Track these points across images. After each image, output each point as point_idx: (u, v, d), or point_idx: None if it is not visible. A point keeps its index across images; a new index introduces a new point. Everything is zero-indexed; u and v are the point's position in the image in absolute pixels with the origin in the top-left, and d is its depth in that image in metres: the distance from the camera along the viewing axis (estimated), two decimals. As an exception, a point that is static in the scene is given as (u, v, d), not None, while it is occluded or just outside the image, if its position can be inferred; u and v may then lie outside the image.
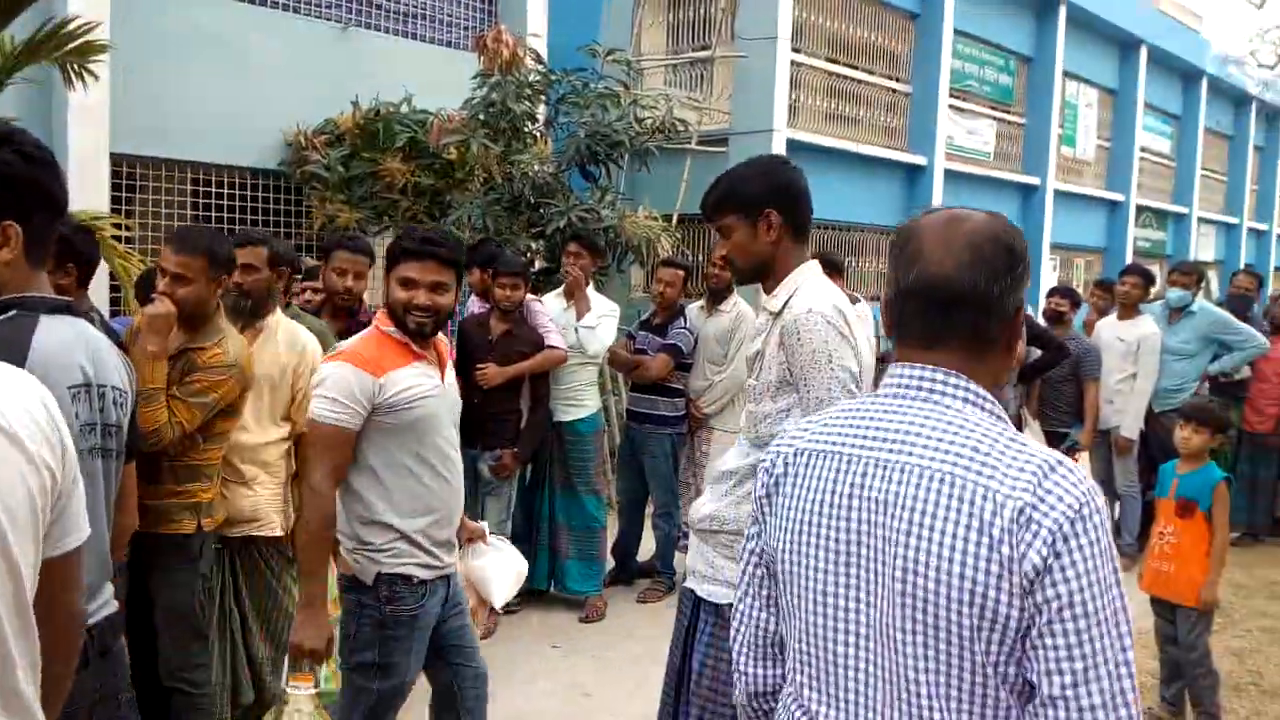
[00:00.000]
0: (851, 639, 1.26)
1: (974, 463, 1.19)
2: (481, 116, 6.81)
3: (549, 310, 4.86)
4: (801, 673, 1.33)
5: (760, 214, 2.23)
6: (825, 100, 11.65)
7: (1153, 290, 6.75)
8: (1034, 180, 14.71)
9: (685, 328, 5.04)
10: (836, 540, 1.26)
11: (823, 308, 2.13)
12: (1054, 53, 14.54)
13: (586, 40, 7.87)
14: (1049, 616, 1.13)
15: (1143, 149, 17.51)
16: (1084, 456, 6.39)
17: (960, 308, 1.28)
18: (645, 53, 11.49)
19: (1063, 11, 14.43)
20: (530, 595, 4.98)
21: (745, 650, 1.47)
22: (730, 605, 2.14)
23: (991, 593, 1.14)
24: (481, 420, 4.47)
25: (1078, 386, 6.17)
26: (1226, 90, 19.79)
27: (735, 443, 2.35)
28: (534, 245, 6.85)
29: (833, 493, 1.28)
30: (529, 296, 4.81)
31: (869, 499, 1.24)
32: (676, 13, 11.72)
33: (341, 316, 3.83)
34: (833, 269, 6.06)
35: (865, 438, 1.29)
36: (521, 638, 4.60)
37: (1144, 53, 16.73)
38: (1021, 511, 1.14)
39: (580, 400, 4.90)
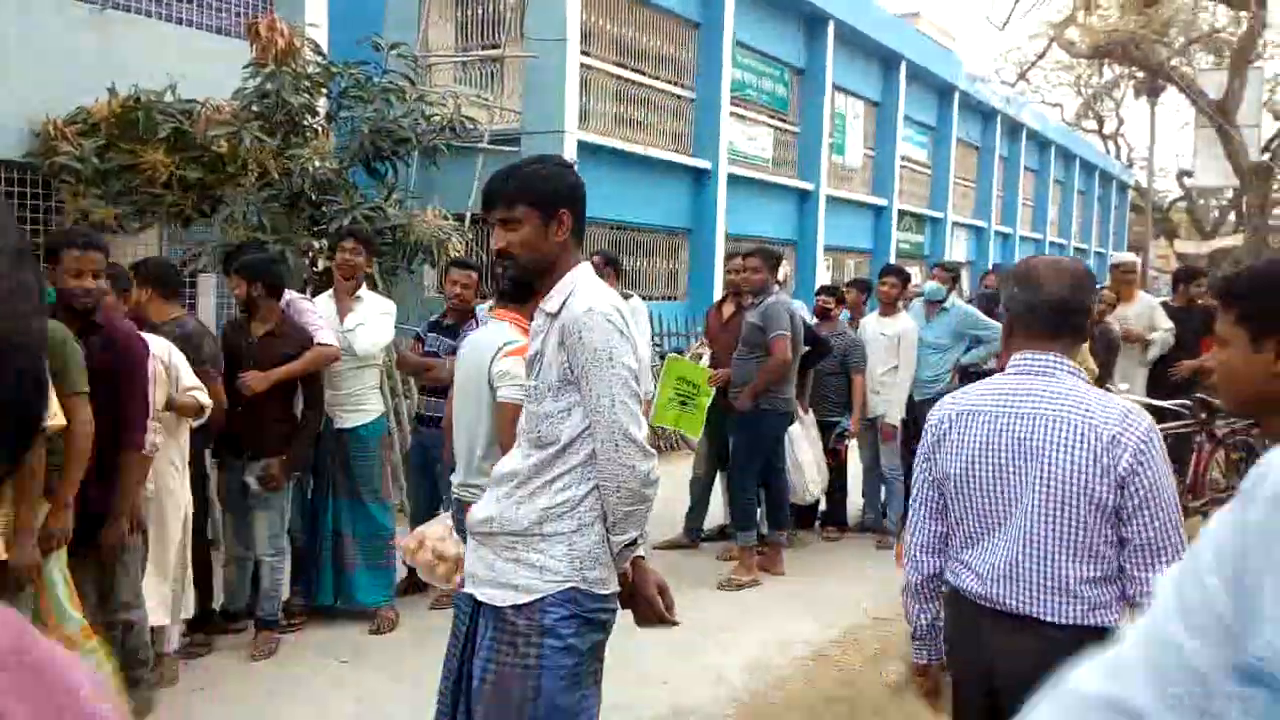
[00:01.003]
0: (1004, 519, 2.08)
1: (1079, 409, 2.01)
2: (255, 108, 6.48)
3: (321, 309, 4.67)
4: (966, 548, 2.16)
5: (555, 213, 2.26)
6: (614, 104, 11.87)
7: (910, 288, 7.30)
8: (808, 186, 15.59)
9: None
10: (995, 463, 2.08)
11: (602, 307, 2.18)
12: (824, 66, 15.48)
13: (369, 33, 7.65)
14: (1137, 501, 1.95)
15: (903, 158, 18.94)
16: (853, 444, 6.85)
17: (1072, 316, 2.12)
18: (433, 49, 11.29)
19: (831, 27, 15.38)
20: (315, 612, 4.80)
21: (921, 547, 2.27)
22: (512, 608, 2.17)
23: (1097, 486, 1.96)
24: (247, 428, 4.25)
25: (846, 379, 6.62)
26: (976, 105, 21.73)
27: None
28: (316, 244, 6.59)
29: (989, 434, 2.09)
30: (294, 294, 4.60)
31: (1014, 436, 2.06)
32: (465, 10, 11.59)
33: (78, 319, 3.32)
34: (612, 266, 6.22)
35: (1004, 401, 2.10)
36: (305, 655, 4.42)
37: (904, 69, 18.11)
38: (1114, 439, 1.96)
39: (362, 404, 4.75)
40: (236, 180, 6.58)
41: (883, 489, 6.82)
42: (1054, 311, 2.10)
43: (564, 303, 2.23)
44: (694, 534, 6.38)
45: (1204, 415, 6.83)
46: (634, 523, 2.20)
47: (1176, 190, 34.29)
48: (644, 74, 12.27)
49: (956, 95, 20.62)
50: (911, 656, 2.43)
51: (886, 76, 18.12)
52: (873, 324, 6.85)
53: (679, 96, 12.94)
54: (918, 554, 2.28)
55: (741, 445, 5.70)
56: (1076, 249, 30.40)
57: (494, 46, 11.04)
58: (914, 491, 2.33)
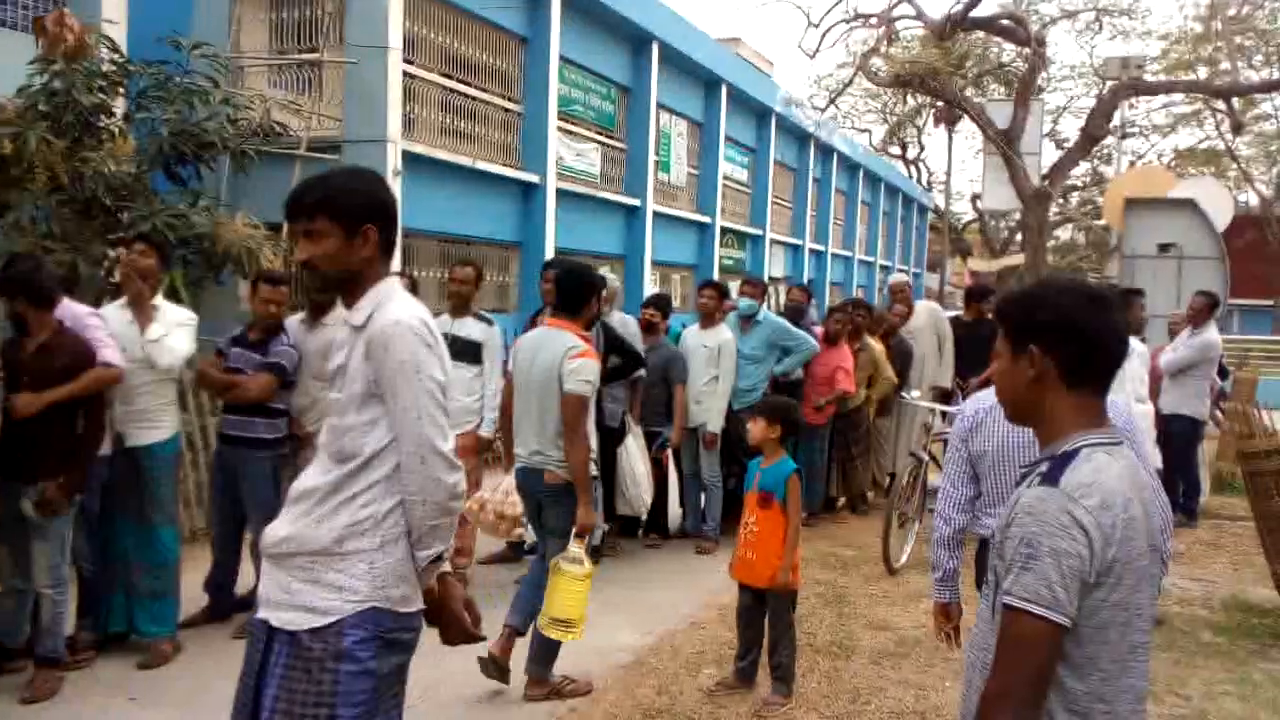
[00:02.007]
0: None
1: None
2: (42, 107, 6.03)
3: (109, 322, 4.36)
4: (995, 505, 3.00)
5: (361, 228, 2.22)
6: (441, 114, 11.71)
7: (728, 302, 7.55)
8: (635, 202, 15.87)
9: (288, 344, 4.79)
10: (1020, 443, 2.91)
11: (410, 320, 2.16)
12: (649, 85, 15.82)
13: (176, 31, 7.26)
14: None
15: (725, 177, 19.59)
16: (671, 454, 7.01)
17: None
18: (245, 50, 10.82)
19: (656, 48, 15.74)
20: (110, 639, 4.48)
21: (954, 507, 3.13)
22: (308, 632, 2.10)
23: None
24: (22, 450, 3.92)
25: (668, 390, 6.78)
26: (791, 128, 22.72)
27: None
28: (111, 253, 6.18)
29: (1007, 429, 2.90)
30: (75, 305, 4.29)
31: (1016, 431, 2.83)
32: (280, 12, 11.16)
33: None
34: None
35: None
36: (92, 693, 4.11)
37: (725, 91, 18.74)
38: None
39: (156, 421, 4.46)
40: (23, 184, 6.09)
41: (703, 496, 7.01)
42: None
43: (370, 315, 2.20)
44: (516, 547, 6.35)
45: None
46: (439, 537, 2.19)
47: (971, 213, 37.05)
48: (471, 85, 12.17)
49: (774, 118, 21.50)
50: (935, 597, 3.25)
51: (709, 98, 18.69)
52: (693, 336, 7.05)
53: (507, 110, 12.91)
54: (950, 512, 3.20)
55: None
56: (882, 266, 32.25)
57: (312, 51, 10.69)
58: (947, 466, 3.26)
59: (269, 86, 10.71)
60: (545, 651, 4.16)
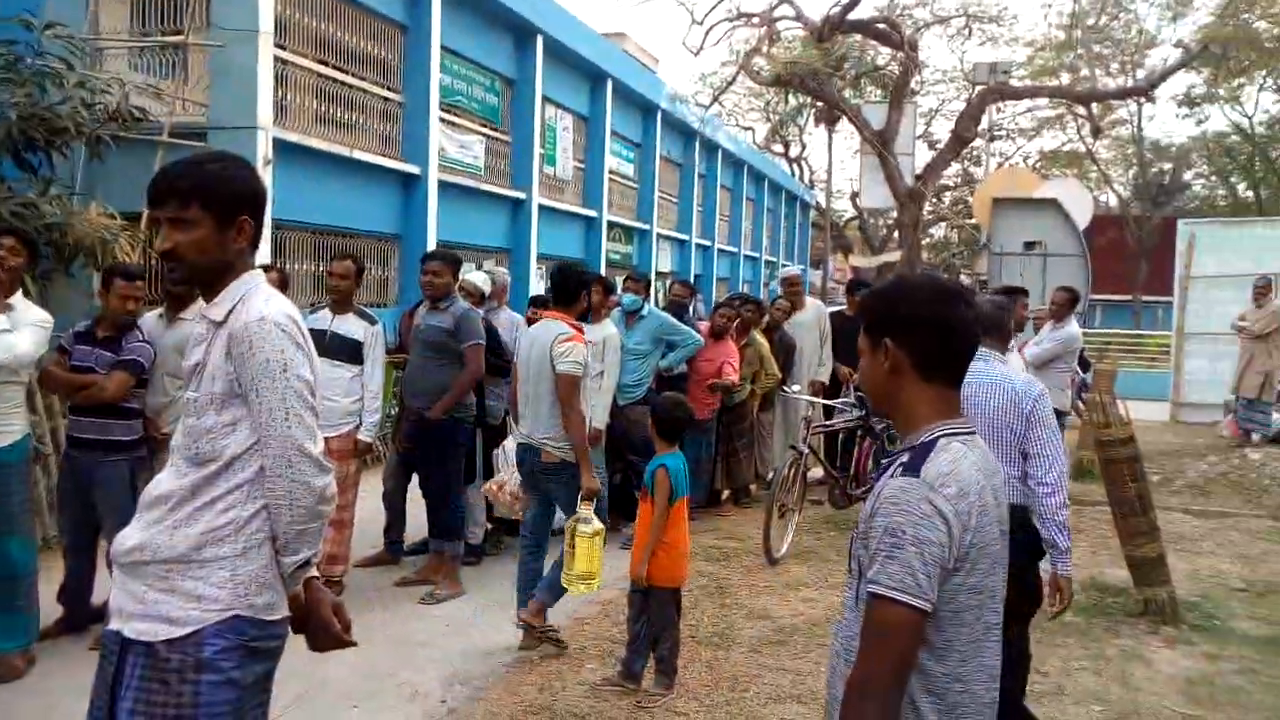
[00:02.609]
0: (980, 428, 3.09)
1: (1002, 378, 3.40)
2: None
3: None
4: None
5: (235, 219, 2.11)
6: (316, 102, 11.33)
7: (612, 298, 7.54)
8: (521, 195, 15.72)
9: (143, 340, 4.54)
10: (972, 411, 3.25)
11: (275, 316, 2.06)
12: (534, 77, 15.68)
13: (27, 10, 6.80)
14: (1035, 434, 3.34)
15: (611, 171, 19.61)
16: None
17: (995, 326, 3.56)
18: (104, 32, 10.23)
19: (540, 41, 15.61)
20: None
21: None
22: (164, 643, 1.98)
23: (1013, 420, 3.36)
24: None
25: (553, 386, 6.73)
26: (677, 124, 22.90)
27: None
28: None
29: (967, 396, 3.21)
30: None
31: (970, 395, 3.31)
32: (141, -10, 10.59)
33: None
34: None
35: (973, 379, 3.26)
36: (-65, 714, 3.83)
37: (610, 85, 18.74)
38: (1023, 393, 3.36)
39: (4, 425, 4.19)
40: None
41: (588, 493, 7.00)
42: (991, 323, 3.54)
43: (231, 310, 2.09)
44: (395, 549, 6.21)
45: (863, 413, 7.62)
46: (307, 542, 2.10)
47: (851, 210, 38.14)
48: (348, 73, 11.81)
49: (659, 114, 21.63)
50: None
51: (594, 92, 18.66)
52: (578, 332, 7.01)
53: (386, 99, 12.58)
54: None
55: (435, 456, 5.60)
56: (767, 261, 32.90)
57: (176, 33, 10.18)
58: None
59: (130, 70, 10.15)
60: (555, 594, 4.60)
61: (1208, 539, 7.33)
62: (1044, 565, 3.47)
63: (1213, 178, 40.28)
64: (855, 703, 1.63)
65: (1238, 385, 10.99)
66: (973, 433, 1.78)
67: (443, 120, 13.44)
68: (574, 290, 4.83)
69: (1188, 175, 39.77)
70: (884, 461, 1.91)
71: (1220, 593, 5.98)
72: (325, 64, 11.42)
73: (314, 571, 2.19)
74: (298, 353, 2.08)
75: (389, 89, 12.59)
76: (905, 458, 1.73)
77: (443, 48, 13.09)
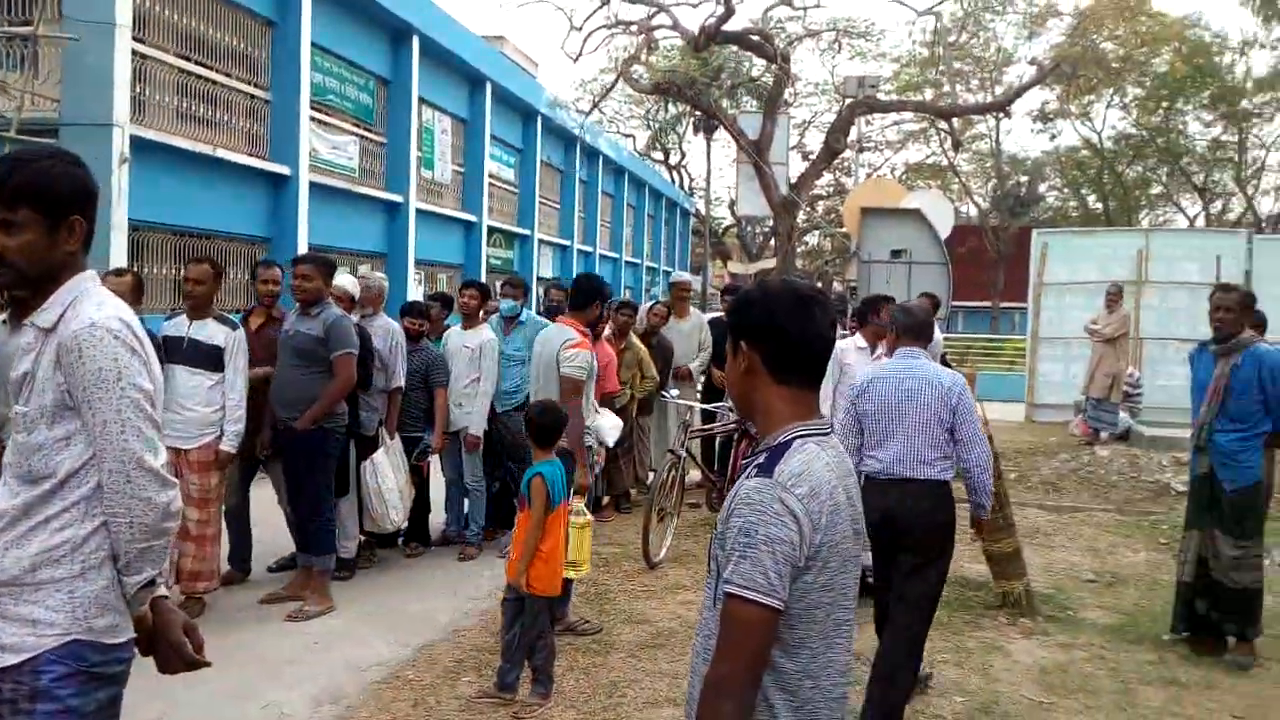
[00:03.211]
0: (896, 428, 3.96)
1: (933, 375, 4.04)
2: None
3: None
4: (875, 449, 4.02)
5: (67, 219, 1.98)
6: (177, 99, 10.84)
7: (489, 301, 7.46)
8: (398, 198, 15.40)
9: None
10: (895, 403, 3.98)
11: (108, 321, 1.95)
12: (410, 79, 15.39)
13: None
14: (960, 418, 3.96)
15: (492, 176, 19.43)
16: (435, 459, 6.85)
17: (925, 329, 4.26)
18: (-57, 19, 9.54)
19: (416, 41, 15.34)
20: None
21: (851, 450, 3.96)
22: (11, 668, 1.87)
23: (942, 412, 3.94)
24: None
25: (429, 394, 6.61)
26: (557, 130, 22.87)
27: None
28: None
29: (891, 388, 4.01)
30: None
31: (904, 389, 3.99)
32: (-17, -23, 9.92)
33: None
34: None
35: (898, 371, 4.06)
36: None
37: (489, 89, 18.57)
38: (949, 389, 3.97)
39: None
40: None
41: (465, 501, 6.90)
42: (918, 327, 4.23)
43: (61, 316, 1.97)
44: (243, 566, 5.97)
45: (741, 418, 7.76)
46: (151, 560, 1.99)
47: (729, 218, 38.85)
48: (212, 69, 11.33)
49: (540, 119, 21.55)
50: None
51: (473, 95, 18.45)
52: (455, 337, 6.91)
53: (254, 97, 12.13)
54: (850, 457, 3.91)
55: (303, 467, 5.40)
56: (648, 267, 33.19)
57: (26, 24, 9.58)
58: (839, 423, 4.35)
59: (-27, 60, 9.50)
60: (564, 594, 4.85)
61: (1060, 533, 7.75)
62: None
63: (1065, 190, 42.73)
64: (711, 701, 1.65)
65: (1088, 386, 11.67)
66: (828, 433, 1.83)
67: (314, 120, 13.05)
68: (588, 298, 5.27)
69: (1042, 188, 42.08)
70: (743, 463, 1.95)
71: (1072, 584, 6.32)
72: (188, 59, 10.94)
73: (161, 590, 2.08)
74: (133, 360, 1.96)
75: (256, 86, 12.14)
76: (761, 459, 1.77)
77: (313, 45, 12.71)
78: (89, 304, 1.98)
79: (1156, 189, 39.73)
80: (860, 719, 3.79)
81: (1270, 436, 4.90)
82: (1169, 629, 5.26)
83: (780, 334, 1.81)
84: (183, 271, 5.82)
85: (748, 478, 1.74)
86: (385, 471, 5.96)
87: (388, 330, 6.24)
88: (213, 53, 11.35)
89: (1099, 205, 39.67)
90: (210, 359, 5.17)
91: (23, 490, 1.94)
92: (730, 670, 1.65)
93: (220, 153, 11.13)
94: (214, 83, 11.35)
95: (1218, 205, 38.62)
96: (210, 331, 5.21)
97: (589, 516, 4.73)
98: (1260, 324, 5.10)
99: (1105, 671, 4.82)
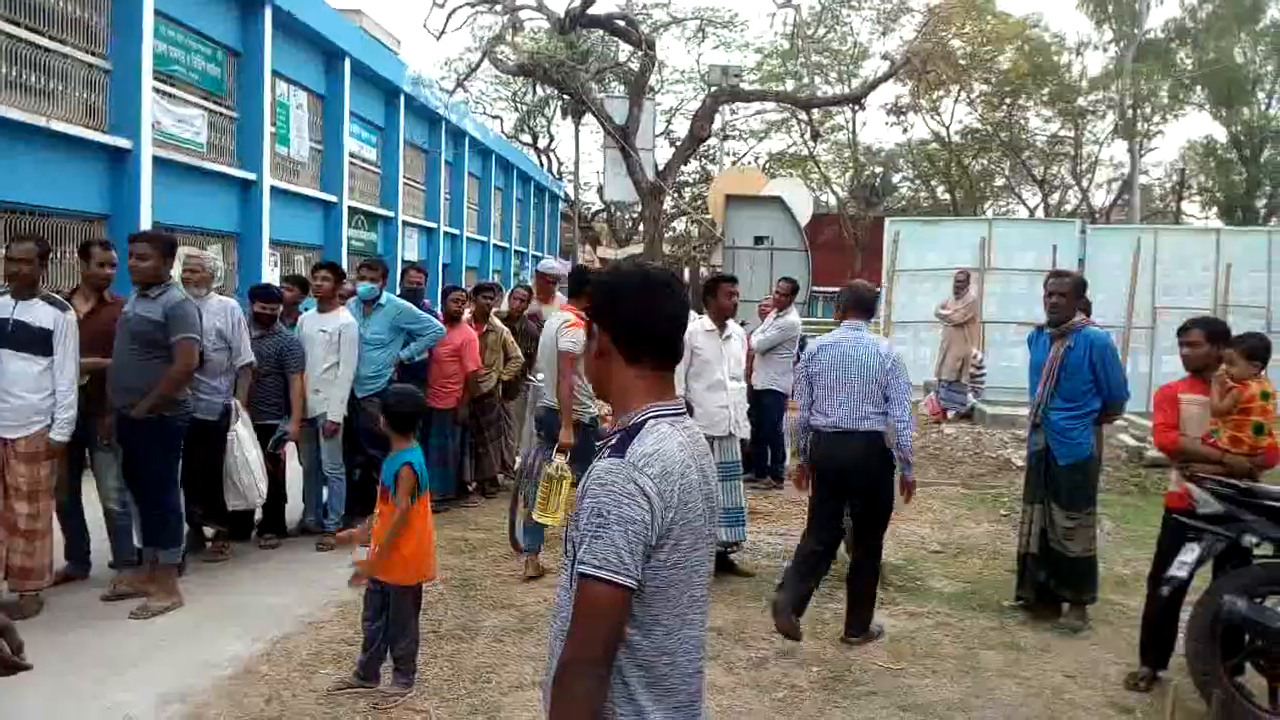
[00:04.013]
0: (841, 389, 4.81)
1: (872, 344, 4.90)
2: None
3: None
4: (823, 405, 4.88)
5: None
6: (6, 66, 10.04)
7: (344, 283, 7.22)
8: (251, 176, 14.72)
9: None
10: (841, 366, 4.82)
11: None
12: (262, 50, 14.71)
13: None
14: (891, 379, 4.79)
15: (352, 155, 18.80)
16: (291, 447, 6.61)
17: (870, 305, 5.16)
18: None
19: (268, 12, 14.67)
20: None
21: (804, 408, 5.02)
22: None
23: (879, 373, 4.77)
24: None
25: (284, 379, 6.36)
26: (421, 109, 22.31)
27: None
28: None
29: (838, 354, 4.86)
30: None
31: (849, 354, 4.84)
32: None
33: None
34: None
35: (844, 340, 4.91)
36: None
37: (348, 64, 17.94)
38: (885, 354, 4.84)
39: None
40: None
41: (324, 489, 6.69)
42: (863, 303, 5.05)
43: None
44: (81, 561, 5.62)
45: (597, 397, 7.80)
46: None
47: (599, 203, 38.88)
48: (43, 35, 10.53)
49: (403, 98, 20.98)
50: (800, 462, 5.22)
51: (330, 70, 17.78)
52: (311, 321, 6.68)
53: (90, 65, 11.34)
54: (803, 412, 5.04)
55: (149, 456, 5.09)
56: (517, 251, 32.89)
57: None
58: (796, 385, 5.55)
59: None
60: (537, 538, 5.92)
61: (909, 507, 8.05)
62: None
63: (917, 181, 44.59)
64: (566, 681, 1.66)
65: (939, 368, 12.23)
66: (682, 413, 1.85)
67: (158, 91, 12.32)
68: (580, 286, 6.06)
69: (896, 178, 43.80)
70: (597, 445, 1.96)
71: (921, 555, 6.64)
72: (16, 24, 10.14)
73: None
74: None
75: (93, 54, 11.37)
76: (614, 440, 1.77)
77: (157, 12, 11.97)
78: None
79: (1000, 181, 41.97)
80: (847, 621, 4.99)
81: (1100, 414, 5.25)
82: (1010, 597, 5.58)
83: (630, 315, 1.83)
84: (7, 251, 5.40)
85: (600, 458, 1.74)
86: (247, 444, 5.75)
87: (224, 308, 5.92)
88: (46, 18, 10.55)
89: (947, 196, 41.59)
90: (38, 342, 4.84)
91: None
92: (585, 649, 1.66)
93: (53, 124, 10.38)
94: (46, 50, 10.56)
95: (1056, 197, 41.12)
96: (38, 313, 4.87)
97: (568, 472, 5.43)
98: (1086, 308, 5.48)
99: (950, 638, 5.08)
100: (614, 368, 1.85)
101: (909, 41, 20.97)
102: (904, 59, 19.28)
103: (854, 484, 4.87)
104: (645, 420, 1.78)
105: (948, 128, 37.02)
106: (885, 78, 20.24)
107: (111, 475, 5.34)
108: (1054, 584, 5.33)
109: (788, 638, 4.77)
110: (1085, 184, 39.14)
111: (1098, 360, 5.12)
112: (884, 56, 21.62)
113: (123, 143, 11.53)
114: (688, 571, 1.77)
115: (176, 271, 5.65)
